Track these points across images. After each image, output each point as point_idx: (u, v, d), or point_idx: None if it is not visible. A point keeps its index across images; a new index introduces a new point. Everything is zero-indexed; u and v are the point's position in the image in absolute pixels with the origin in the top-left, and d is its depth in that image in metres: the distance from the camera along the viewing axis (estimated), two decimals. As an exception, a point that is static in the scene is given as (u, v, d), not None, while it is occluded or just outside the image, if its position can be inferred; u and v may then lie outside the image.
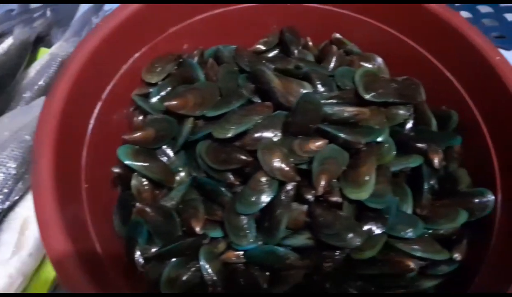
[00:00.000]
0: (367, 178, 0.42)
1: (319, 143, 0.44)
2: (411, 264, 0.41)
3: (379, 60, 0.57)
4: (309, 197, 0.42)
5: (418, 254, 0.42)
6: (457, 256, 0.44)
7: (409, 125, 0.51)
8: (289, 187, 0.43)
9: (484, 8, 0.73)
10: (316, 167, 0.42)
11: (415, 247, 0.43)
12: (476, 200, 0.45)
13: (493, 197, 0.45)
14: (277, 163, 0.43)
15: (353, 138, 0.43)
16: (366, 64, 0.56)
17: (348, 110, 0.46)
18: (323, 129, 0.45)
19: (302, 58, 0.56)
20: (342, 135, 0.43)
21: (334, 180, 0.43)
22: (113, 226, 0.47)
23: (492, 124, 0.48)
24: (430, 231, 0.46)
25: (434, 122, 0.51)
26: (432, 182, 0.48)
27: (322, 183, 0.41)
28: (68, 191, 0.42)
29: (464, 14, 0.74)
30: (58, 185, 0.39)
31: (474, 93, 0.50)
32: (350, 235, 0.40)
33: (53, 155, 0.40)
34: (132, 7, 0.49)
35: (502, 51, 0.68)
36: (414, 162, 0.46)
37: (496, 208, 0.44)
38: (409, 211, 0.45)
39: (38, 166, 0.39)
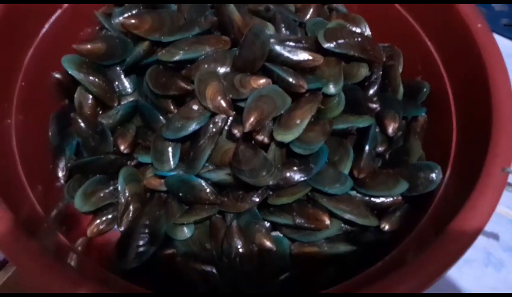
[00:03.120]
0: (298, 121, 0.39)
1: (261, 81, 0.41)
2: (326, 220, 0.38)
3: (364, 23, 0.53)
4: (236, 131, 0.40)
5: (343, 214, 0.39)
6: (385, 226, 0.40)
7: (373, 88, 0.47)
8: (218, 119, 0.41)
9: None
10: (249, 103, 0.40)
11: (341, 206, 0.40)
12: (422, 174, 0.41)
13: (440, 174, 0.41)
14: (212, 94, 0.41)
15: (295, 81, 0.40)
16: (349, 25, 0.53)
17: (300, 54, 0.43)
18: (269, 68, 0.42)
19: (280, 4, 0.53)
20: (285, 76, 0.41)
21: (268, 122, 0.41)
22: (47, 134, 0.47)
23: (459, 100, 0.44)
24: (366, 198, 0.42)
25: (401, 90, 0.47)
26: (381, 148, 0.45)
27: (251, 119, 0.39)
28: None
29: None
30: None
31: (449, 64, 0.46)
32: (263, 173, 0.37)
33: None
34: None
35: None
36: (363, 122, 0.42)
37: (440, 186, 0.40)
38: (346, 171, 0.42)
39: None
